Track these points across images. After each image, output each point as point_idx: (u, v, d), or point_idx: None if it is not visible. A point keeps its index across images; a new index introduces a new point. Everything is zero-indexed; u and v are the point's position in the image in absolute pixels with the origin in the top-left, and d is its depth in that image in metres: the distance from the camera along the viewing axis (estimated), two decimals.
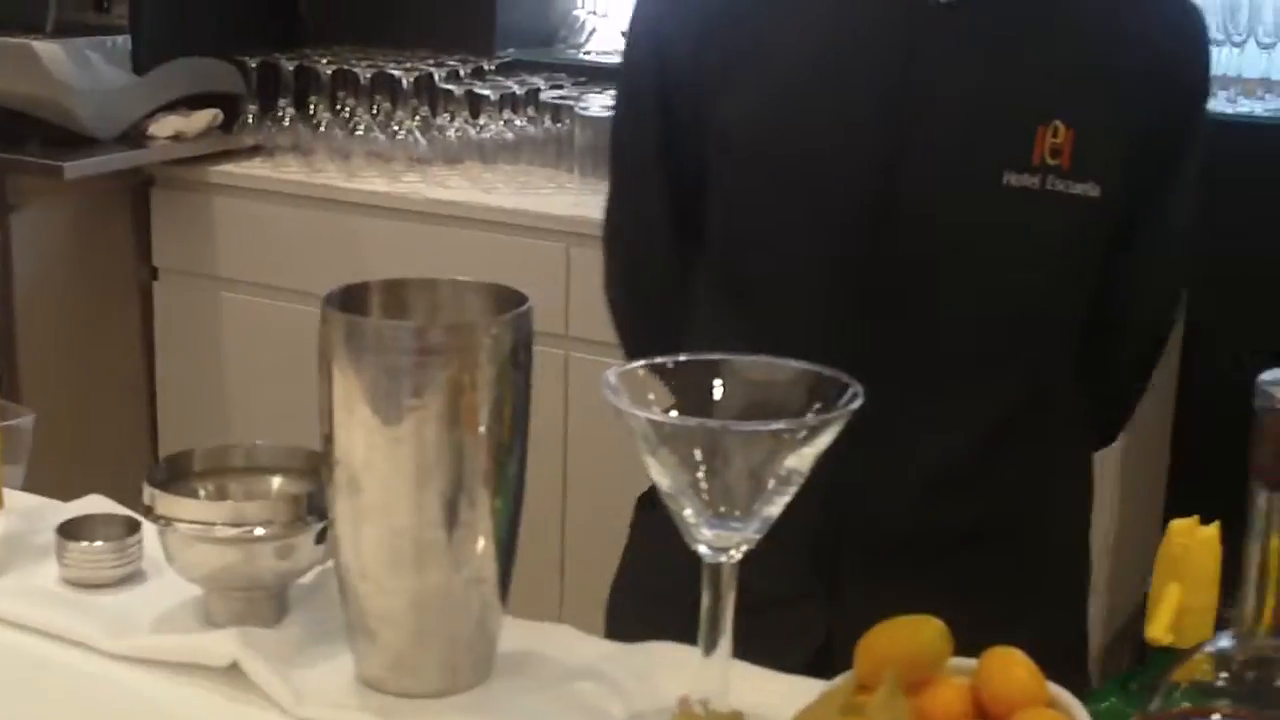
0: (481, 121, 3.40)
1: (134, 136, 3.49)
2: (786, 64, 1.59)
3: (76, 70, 3.36)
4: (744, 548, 1.04)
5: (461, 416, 1.09)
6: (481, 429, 1.10)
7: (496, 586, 1.14)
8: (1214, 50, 3.00)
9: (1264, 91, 3.15)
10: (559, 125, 3.36)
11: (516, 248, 3.15)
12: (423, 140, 3.41)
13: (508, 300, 1.14)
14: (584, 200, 3.14)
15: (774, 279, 1.62)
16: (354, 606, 1.14)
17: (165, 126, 3.50)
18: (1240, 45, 3.11)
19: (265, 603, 1.23)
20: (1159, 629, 1.22)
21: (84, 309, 3.52)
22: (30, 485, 1.56)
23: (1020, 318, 1.59)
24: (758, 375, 1.07)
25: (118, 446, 3.56)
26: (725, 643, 1.07)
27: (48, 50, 3.34)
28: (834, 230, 1.57)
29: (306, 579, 1.26)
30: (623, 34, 1.78)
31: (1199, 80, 1.65)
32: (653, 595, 1.57)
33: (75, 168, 3.26)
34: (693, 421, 1.02)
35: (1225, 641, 0.89)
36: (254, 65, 3.56)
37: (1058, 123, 1.53)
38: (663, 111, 1.68)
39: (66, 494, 1.49)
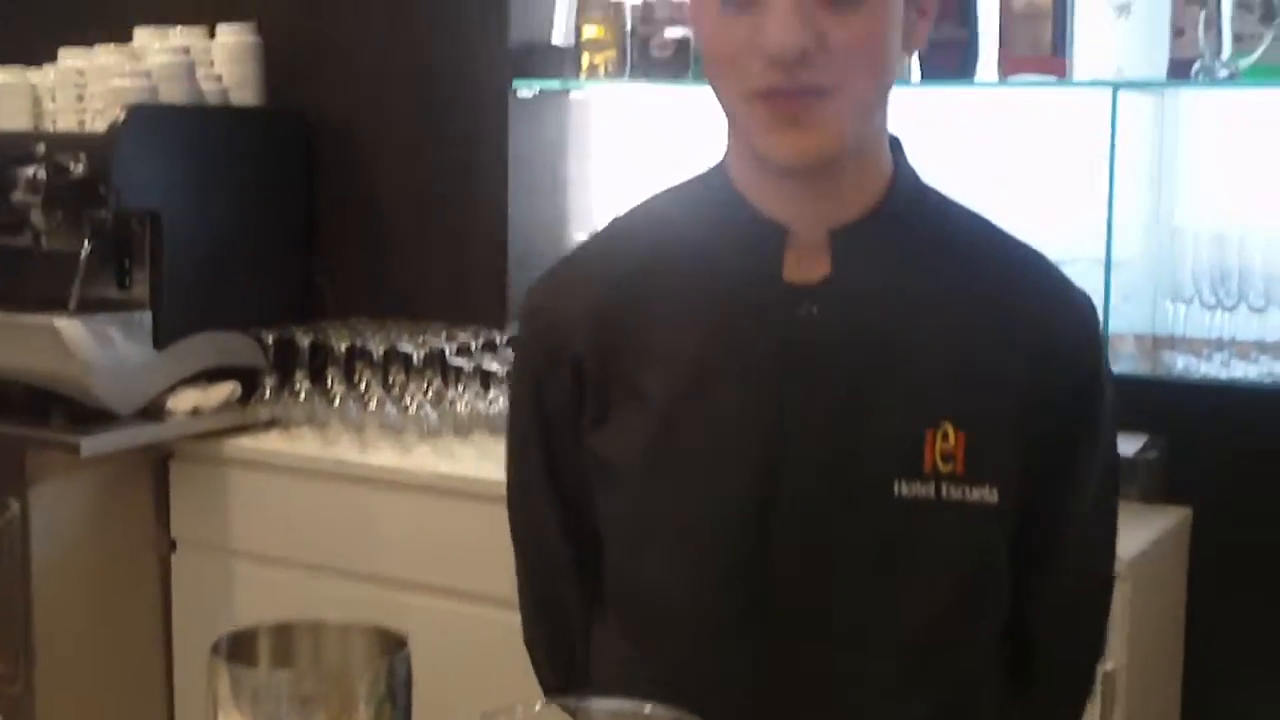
0: (491, 395, 3.47)
1: (153, 411, 3.58)
2: (661, 396, 1.58)
3: (97, 347, 3.46)
4: None
5: None
6: None
7: None
8: (1206, 314, 3.13)
9: (1258, 354, 3.18)
10: None
11: None
12: (434, 414, 3.48)
13: (390, 643, 1.19)
14: None
15: (667, 607, 1.59)
16: None
17: (184, 401, 3.59)
18: (1231, 309, 3.15)
19: None
20: None
21: (102, 582, 3.58)
22: None
23: (928, 636, 1.54)
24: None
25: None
26: None
27: (70, 328, 3.45)
28: (722, 558, 1.55)
29: None
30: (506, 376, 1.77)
31: (1092, 374, 1.61)
32: None
33: (92, 445, 3.35)
34: None
35: None
36: (271, 340, 3.66)
37: (947, 426, 1.51)
38: (546, 452, 1.68)
39: None
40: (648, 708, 1.10)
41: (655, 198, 1.72)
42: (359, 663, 1.20)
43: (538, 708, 1.10)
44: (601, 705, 1.11)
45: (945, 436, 1.51)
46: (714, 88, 1.56)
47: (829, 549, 1.53)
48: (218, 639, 1.19)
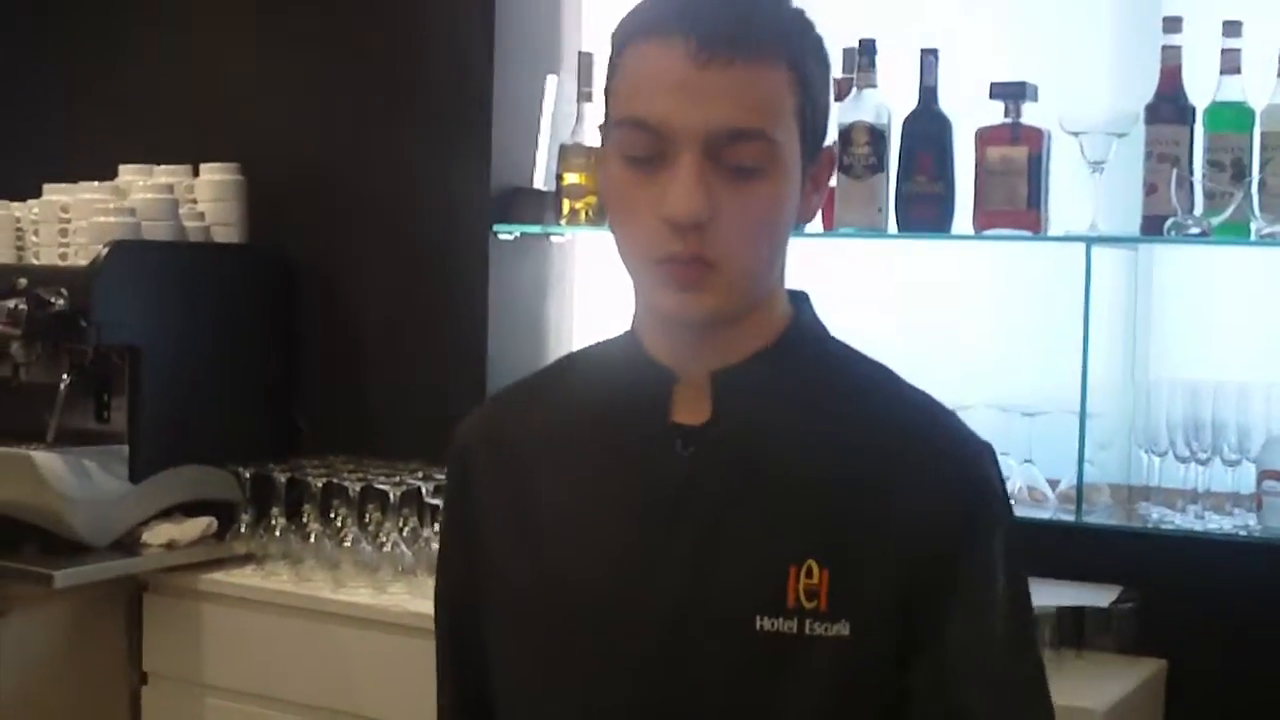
0: None
1: (128, 543, 3.58)
2: (543, 531, 1.66)
3: (73, 479, 3.47)
4: None
5: None
6: None
7: None
8: (1180, 466, 3.15)
9: (1232, 506, 3.20)
10: None
11: None
12: (409, 552, 3.48)
13: None
14: None
15: None
16: None
17: (159, 534, 3.59)
18: (1205, 462, 3.18)
19: None
20: None
21: (72, 714, 3.55)
22: None
23: None
24: None
25: None
26: None
27: (46, 460, 3.46)
28: (590, 683, 1.61)
29: None
30: None
31: (970, 514, 1.58)
32: None
33: (65, 577, 3.34)
34: None
35: None
36: (248, 475, 3.66)
37: (811, 563, 1.53)
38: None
39: None
40: None
41: (584, 348, 1.79)
42: None
43: None
44: None
45: (809, 573, 1.53)
46: (616, 239, 1.61)
47: (689, 680, 1.56)
48: None
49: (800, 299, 1.71)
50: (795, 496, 1.57)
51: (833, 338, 1.71)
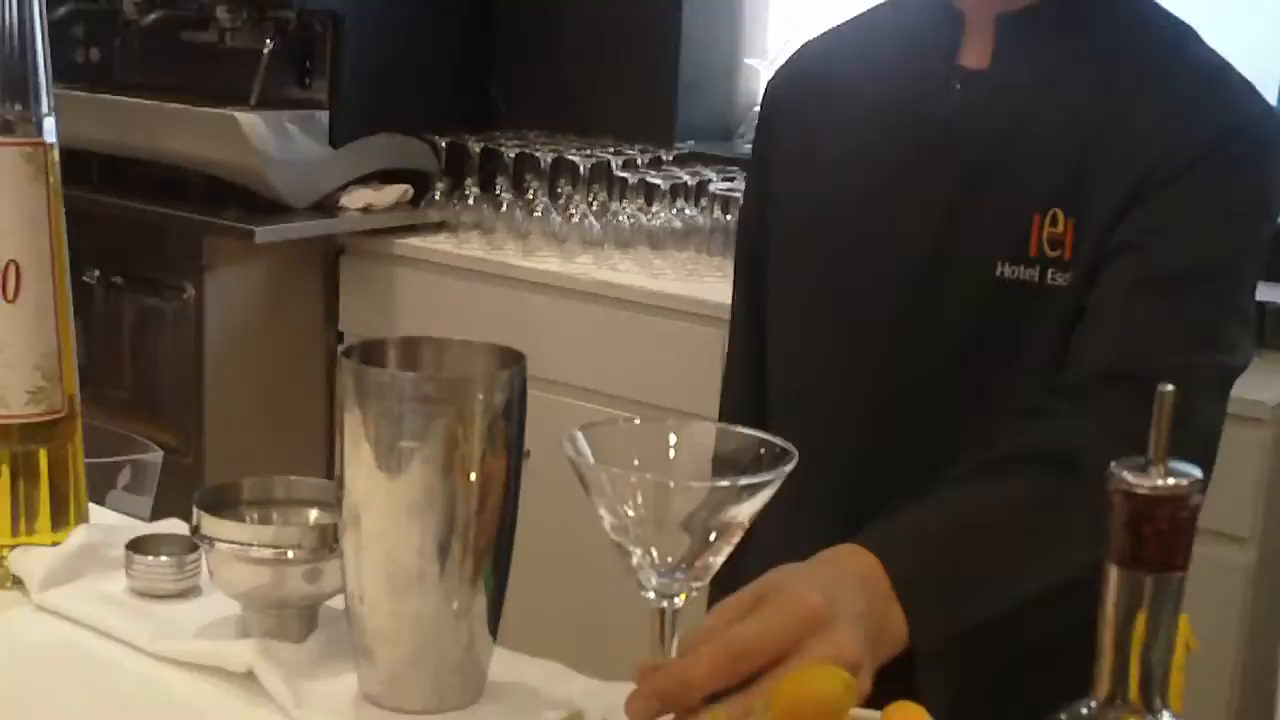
0: (654, 209, 3.54)
1: (327, 206, 3.70)
2: (819, 168, 1.69)
3: (275, 141, 3.58)
4: (686, 595, 1.14)
5: (455, 462, 1.20)
6: (473, 475, 1.21)
7: (485, 618, 1.25)
8: None
9: None
10: (727, 216, 3.48)
11: (678, 331, 3.29)
12: (597, 224, 3.56)
13: (509, 359, 1.26)
14: None
15: (792, 378, 1.72)
16: (356, 627, 1.25)
17: (357, 199, 3.70)
18: None
19: (294, 620, 1.35)
20: None
21: (271, 367, 3.73)
22: None
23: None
24: (708, 439, 1.18)
25: None
26: None
27: (249, 121, 3.57)
28: (831, 319, 1.66)
29: (336, 602, 1.37)
30: None
31: (1201, 158, 1.50)
32: None
33: (266, 233, 3.48)
34: (645, 476, 1.12)
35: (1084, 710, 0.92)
36: (444, 145, 3.75)
37: (1057, 212, 1.51)
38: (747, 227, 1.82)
39: None
40: (739, 429, 1.16)
41: None
42: (479, 372, 1.28)
43: (637, 422, 1.16)
44: (694, 425, 1.17)
45: (1054, 221, 1.51)
46: None
47: (935, 317, 1.58)
48: (351, 344, 1.26)
49: None
50: (1055, 146, 1.54)
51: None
